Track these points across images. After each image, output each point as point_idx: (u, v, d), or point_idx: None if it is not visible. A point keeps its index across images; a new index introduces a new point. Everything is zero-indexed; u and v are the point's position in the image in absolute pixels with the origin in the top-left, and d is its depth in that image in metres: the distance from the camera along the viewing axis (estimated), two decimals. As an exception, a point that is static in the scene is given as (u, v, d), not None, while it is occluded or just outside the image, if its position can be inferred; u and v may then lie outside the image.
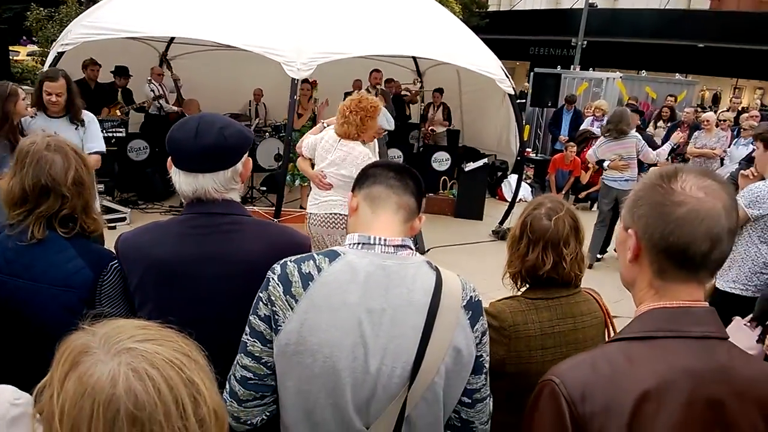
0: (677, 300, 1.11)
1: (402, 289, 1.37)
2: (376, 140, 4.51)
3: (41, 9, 16.27)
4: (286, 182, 6.84)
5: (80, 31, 6.45)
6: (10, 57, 12.07)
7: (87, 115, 4.20)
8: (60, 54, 6.46)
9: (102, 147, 4.22)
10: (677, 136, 6.13)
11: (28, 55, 19.53)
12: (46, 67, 6.71)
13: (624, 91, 10.91)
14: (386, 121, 4.32)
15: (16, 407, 1.02)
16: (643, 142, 6.29)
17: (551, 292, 1.84)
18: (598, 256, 6.63)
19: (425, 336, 1.35)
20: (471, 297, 1.45)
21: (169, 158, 1.65)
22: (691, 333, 1.08)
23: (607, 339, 1.88)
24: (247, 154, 1.68)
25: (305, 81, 7.04)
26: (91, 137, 4.16)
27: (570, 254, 1.81)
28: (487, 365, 1.51)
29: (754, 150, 3.64)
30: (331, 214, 3.93)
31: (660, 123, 9.95)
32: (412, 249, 1.45)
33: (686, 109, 9.89)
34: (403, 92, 9.70)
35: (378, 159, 4.38)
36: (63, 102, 4.04)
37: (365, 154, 3.81)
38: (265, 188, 8.12)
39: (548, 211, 1.84)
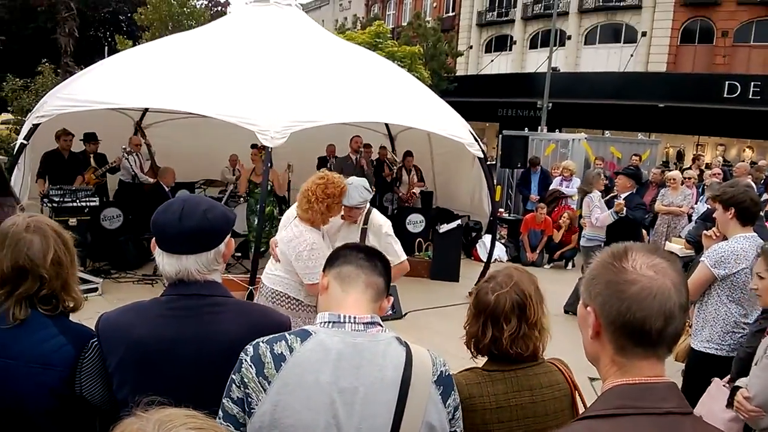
0: (639, 376, 1.13)
1: (373, 367, 1.39)
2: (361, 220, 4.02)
3: (17, 79, 16.42)
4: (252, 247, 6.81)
5: (56, 103, 6.51)
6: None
7: None
8: (35, 126, 6.49)
9: None
10: (618, 206, 6.20)
11: (2, 124, 19.52)
12: (20, 138, 6.73)
13: (590, 152, 11.28)
14: (354, 196, 3.78)
15: None
16: (595, 204, 6.49)
17: (507, 365, 1.80)
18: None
19: (398, 413, 1.36)
20: (441, 372, 1.47)
21: (153, 239, 1.68)
22: (654, 410, 1.09)
23: (575, 411, 1.85)
24: (229, 235, 1.72)
25: (254, 146, 7.12)
26: None
27: (509, 331, 1.77)
28: None
29: (710, 208, 3.77)
30: (275, 290, 3.64)
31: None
32: (381, 326, 1.48)
33: (653, 169, 10.21)
34: (387, 157, 9.94)
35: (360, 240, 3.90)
36: None
37: (310, 244, 3.47)
38: (240, 254, 8.09)
39: (495, 285, 1.82)
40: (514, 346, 1.78)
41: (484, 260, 8.46)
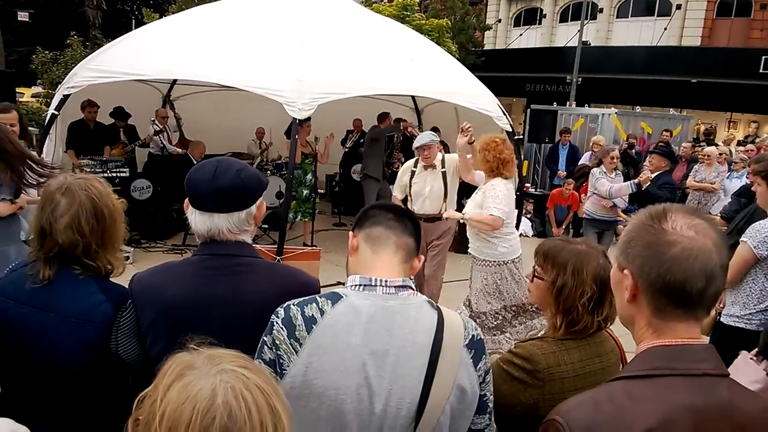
0: (676, 338, 1.13)
1: (405, 330, 1.39)
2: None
3: (46, 52, 16.60)
4: (288, 219, 6.90)
5: (86, 74, 6.56)
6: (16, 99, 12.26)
7: None
8: (66, 96, 6.57)
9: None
10: (645, 178, 5.98)
11: (32, 97, 19.80)
12: (51, 109, 6.83)
13: (620, 127, 11.05)
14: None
15: None
16: (597, 177, 6.62)
17: (576, 334, 1.79)
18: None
19: (429, 375, 1.36)
20: (473, 336, 1.46)
21: (186, 199, 1.69)
22: (691, 371, 1.09)
23: None
24: (261, 198, 1.72)
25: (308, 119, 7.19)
26: None
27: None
28: (491, 405, 1.51)
29: (748, 183, 3.67)
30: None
31: (656, 157, 10.06)
32: (413, 289, 1.47)
33: (684, 144, 10.01)
34: (409, 132, 9.84)
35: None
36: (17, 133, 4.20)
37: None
38: (267, 226, 8.17)
39: (606, 261, 1.81)
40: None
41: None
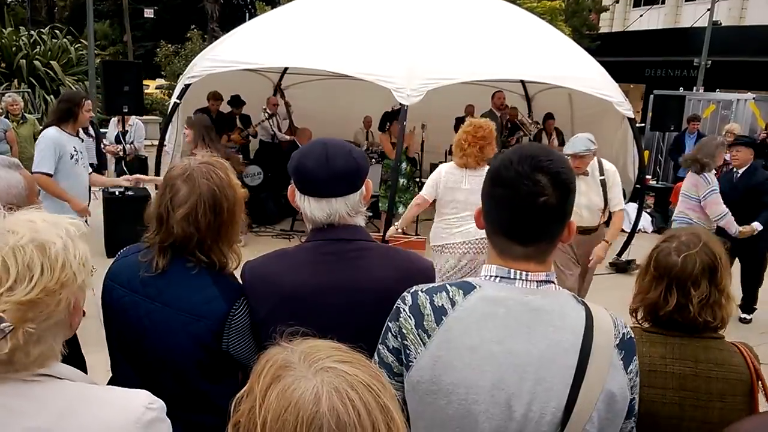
0: None
1: (548, 327, 1.22)
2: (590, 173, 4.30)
3: (169, 45, 17.78)
4: (391, 208, 6.82)
5: (204, 65, 6.87)
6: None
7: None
8: (186, 86, 6.89)
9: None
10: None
11: (156, 88, 21.26)
12: (174, 99, 7.20)
13: (758, 114, 9.97)
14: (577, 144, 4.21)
15: (151, 411, 1.08)
16: (710, 189, 5.14)
17: (672, 330, 1.67)
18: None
19: (577, 379, 1.20)
20: (624, 334, 1.29)
21: (291, 188, 1.60)
22: None
23: (754, 403, 1.63)
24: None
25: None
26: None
27: (699, 296, 1.61)
28: (636, 407, 1.34)
29: None
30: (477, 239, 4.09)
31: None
32: (554, 283, 1.28)
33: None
34: (519, 120, 9.45)
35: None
36: None
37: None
38: (371, 213, 8.17)
39: (679, 245, 1.66)
40: (703, 314, 1.61)
41: (627, 230, 7.87)
